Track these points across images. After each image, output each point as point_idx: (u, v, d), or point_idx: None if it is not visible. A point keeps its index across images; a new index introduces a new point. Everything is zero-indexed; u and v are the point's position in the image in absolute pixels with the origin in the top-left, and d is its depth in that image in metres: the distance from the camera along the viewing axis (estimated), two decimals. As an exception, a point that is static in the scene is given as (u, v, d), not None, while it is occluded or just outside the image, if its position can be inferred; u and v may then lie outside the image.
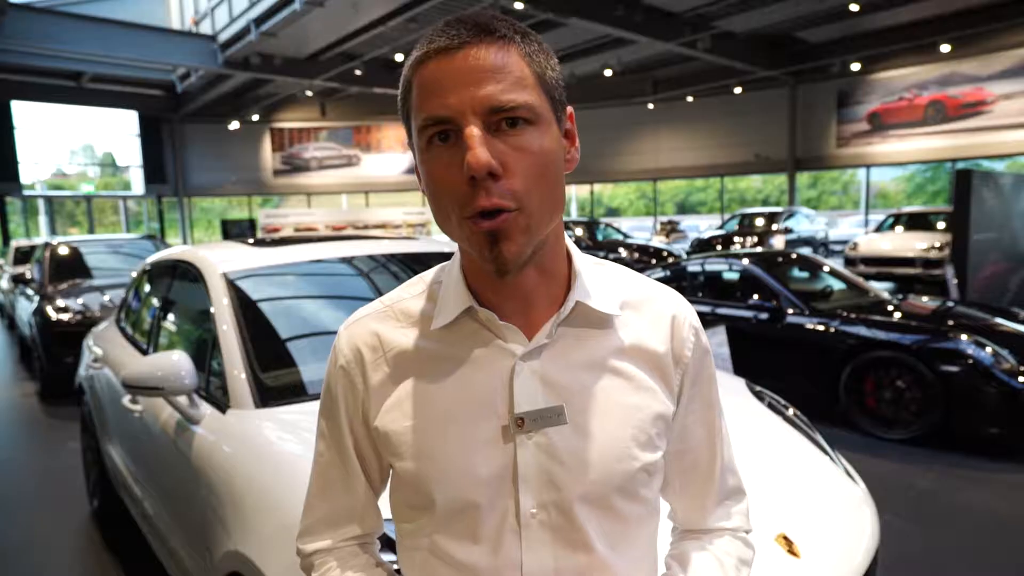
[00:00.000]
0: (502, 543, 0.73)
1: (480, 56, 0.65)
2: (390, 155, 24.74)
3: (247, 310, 2.27)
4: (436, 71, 0.66)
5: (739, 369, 4.08)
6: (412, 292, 0.82)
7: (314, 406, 0.88)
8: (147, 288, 3.29)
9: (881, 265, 11.21)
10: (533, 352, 0.74)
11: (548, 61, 0.70)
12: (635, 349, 0.78)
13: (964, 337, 4.08)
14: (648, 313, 0.80)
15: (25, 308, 7.37)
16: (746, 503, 0.91)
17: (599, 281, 0.79)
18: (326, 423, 0.84)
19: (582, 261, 0.79)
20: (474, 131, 0.64)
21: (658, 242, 17.45)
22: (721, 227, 16.49)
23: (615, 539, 0.76)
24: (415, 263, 2.72)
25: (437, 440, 0.74)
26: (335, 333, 0.83)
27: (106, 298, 6.27)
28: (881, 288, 5.97)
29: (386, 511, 0.86)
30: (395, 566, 0.88)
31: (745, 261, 5.44)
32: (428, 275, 0.83)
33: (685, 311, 0.83)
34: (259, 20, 14.51)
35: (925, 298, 5.38)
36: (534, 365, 0.74)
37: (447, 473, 0.73)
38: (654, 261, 12.06)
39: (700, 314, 5.40)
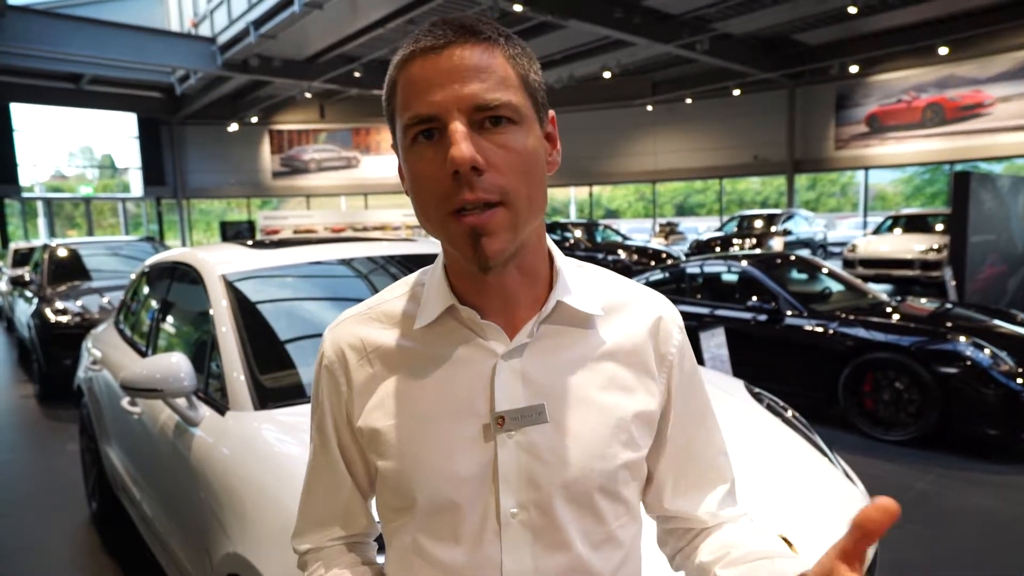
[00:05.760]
0: (482, 543, 0.73)
1: (465, 55, 0.66)
2: (389, 157, 24.70)
3: (246, 312, 2.27)
4: (421, 70, 0.67)
5: (738, 370, 4.09)
6: (395, 294, 0.83)
7: (312, 408, 0.89)
8: (146, 290, 3.29)
9: (879, 267, 11.22)
10: (514, 351, 0.74)
11: (531, 64, 0.71)
12: (618, 349, 0.78)
13: (962, 339, 4.08)
14: (632, 314, 0.81)
15: (24, 310, 7.37)
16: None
17: (581, 282, 0.79)
18: (313, 424, 0.85)
19: (564, 262, 0.79)
20: (458, 126, 0.64)
21: (657, 244, 17.44)
22: (720, 229, 16.53)
23: (596, 540, 0.76)
24: (413, 265, 2.72)
25: (418, 439, 0.74)
26: None
27: (105, 300, 6.27)
28: (879, 290, 5.98)
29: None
30: None
31: (744, 263, 5.44)
32: (411, 278, 0.84)
33: (670, 312, 0.84)
34: (258, 22, 14.51)
35: (923, 300, 5.39)
36: (515, 364, 0.74)
37: (428, 472, 0.73)
38: (653, 263, 12.07)
39: (699, 315, 5.43)
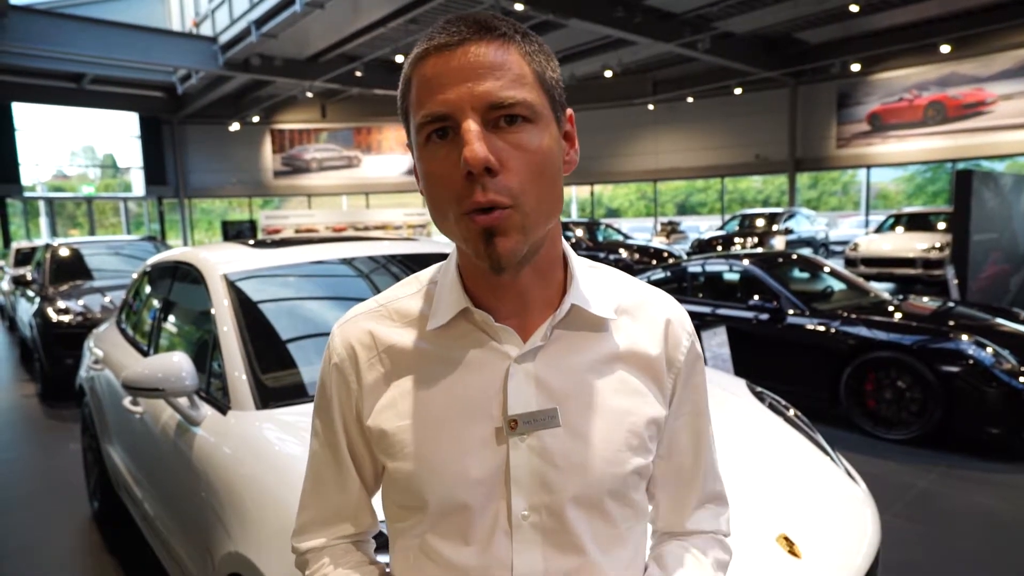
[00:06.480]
0: (492, 544, 0.73)
1: (480, 53, 0.65)
2: (390, 156, 24.75)
3: (247, 311, 2.27)
4: (435, 68, 0.66)
5: (740, 370, 4.08)
6: (407, 291, 0.82)
7: (314, 407, 0.88)
8: (148, 289, 3.29)
9: (881, 266, 11.20)
10: (528, 354, 0.74)
11: (548, 62, 0.70)
12: (629, 353, 0.78)
13: (965, 337, 4.08)
14: (643, 317, 0.80)
15: (26, 310, 7.38)
16: (727, 511, 0.92)
17: (595, 285, 0.79)
18: (320, 421, 0.83)
19: (578, 264, 0.79)
20: (472, 126, 0.63)
21: (658, 243, 17.44)
22: (721, 228, 16.50)
23: (606, 542, 0.76)
24: (415, 264, 2.72)
25: (430, 441, 0.74)
26: None
27: (107, 299, 6.27)
28: (881, 289, 5.97)
29: (380, 511, 0.86)
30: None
31: (746, 262, 5.44)
32: (423, 275, 0.83)
33: (680, 316, 0.83)
34: (259, 22, 14.52)
35: (926, 299, 5.38)
36: (528, 367, 0.74)
37: (439, 474, 0.73)
38: (654, 262, 12.06)
39: (701, 314, 5.43)
